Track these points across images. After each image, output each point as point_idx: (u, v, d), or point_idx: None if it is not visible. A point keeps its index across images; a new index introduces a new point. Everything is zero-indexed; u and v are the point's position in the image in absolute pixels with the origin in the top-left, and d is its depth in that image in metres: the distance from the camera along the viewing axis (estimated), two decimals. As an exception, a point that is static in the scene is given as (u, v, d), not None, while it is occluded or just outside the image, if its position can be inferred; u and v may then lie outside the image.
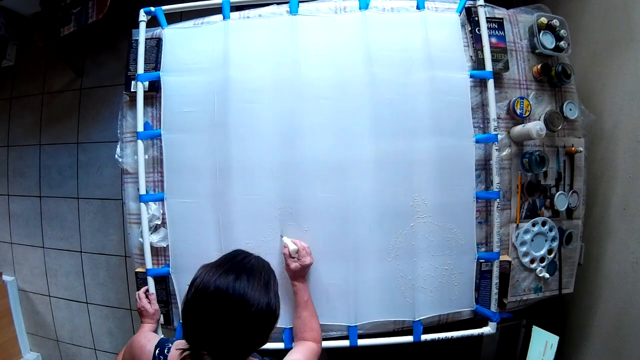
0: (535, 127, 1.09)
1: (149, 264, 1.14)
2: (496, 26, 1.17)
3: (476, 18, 1.16)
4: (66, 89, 2.20)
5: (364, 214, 1.11)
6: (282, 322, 1.13)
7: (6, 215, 2.25)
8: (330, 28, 1.15)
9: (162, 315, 1.16)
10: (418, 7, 1.16)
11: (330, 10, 1.17)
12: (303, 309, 1.04)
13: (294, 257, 1.05)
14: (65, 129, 2.15)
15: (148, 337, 0.88)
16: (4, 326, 2.08)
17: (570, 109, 1.20)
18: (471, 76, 1.14)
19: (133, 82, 1.17)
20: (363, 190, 1.10)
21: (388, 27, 1.14)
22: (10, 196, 2.25)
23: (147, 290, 1.15)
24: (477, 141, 1.13)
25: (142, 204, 1.13)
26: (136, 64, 1.16)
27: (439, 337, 1.13)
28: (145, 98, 1.16)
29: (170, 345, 0.83)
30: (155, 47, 1.18)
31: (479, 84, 1.16)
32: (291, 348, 1.10)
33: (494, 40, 1.16)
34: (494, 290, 1.15)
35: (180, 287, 1.15)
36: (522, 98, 1.16)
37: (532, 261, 1.20)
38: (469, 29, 1.17)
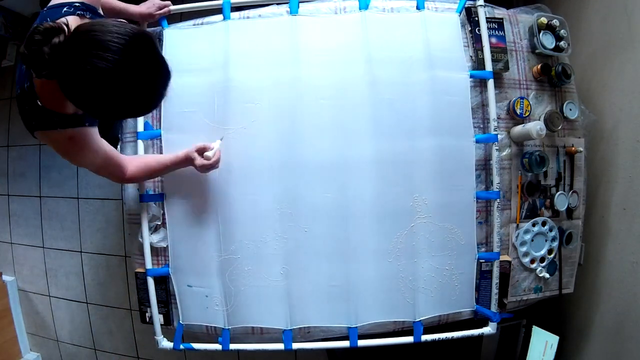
0: (535, 127, 1.09)
1: (149, 264, 1.14)
2: (496, 26, 1.17)
3: (476, 18, 1.16)
4: (66, 89, 2.19)
5: (364, 215, 1.11)
6: (282, 323, 1.13)
7: (6, 215, 2.25)
8: (330, 28, 1.15)
9: (161, 315, 1.16)
10: (418, 7, 1.16)
11: (330, 11, 1.17)
12: (157, 162, 1.05)
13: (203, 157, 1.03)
14: (65, 129, 2.14)
15: None
16: (4, 326, 2.08)
17: (570, 109, 1.20)
18: (471, 76, 1.14)
19: (133, 82, 1.17)
20: (363, 190, 1.10)
21: (388, 27, 1.14)
22: (10, 196, 2.25)
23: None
24: (477, 141, 1.13)
25: (142, 204, 1.13)
26: (136, 64, 1.16)
27: (439, 338, 1.13)
28: (145, 98, 1.16)
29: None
30: (155, 47, 1.17)
31: (479, 84, 1.16)
32: (291, 349, 1.12)
33: (494, 40, 1.16)
34: (494, 291, 1.15)
35: (180, 287, 1.15)
36: (522, 98, 1.16)
37: (532, 261, 1.20)
38: (469, 29, 1.17)
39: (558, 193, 1.18)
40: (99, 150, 0.89)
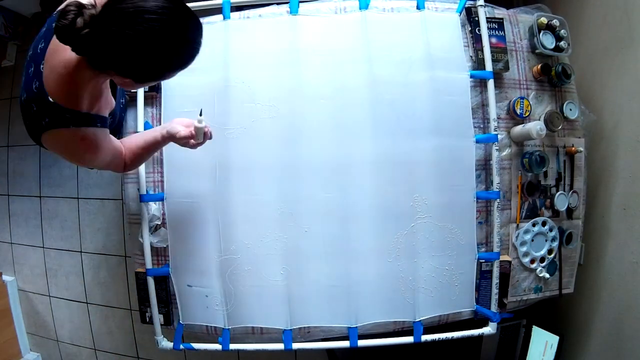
0: (536, 127, 1.09)
1: (149, 264, 1.14)
2: (496, 26, 1.17)
3: (476, 18, 1.16)
4: (66, 89, 2.19)
5: (364, 215, 1.11)
6: (282, 324, 1.13)
7: (6, 215, 2.25)
8: (330, 28, 1.15)
9: (162, 315, 1.16)
10: (418, 7, 1.16)
11: (330, 11, 1.17)
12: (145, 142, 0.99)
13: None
14: (65, 129, 2.14)
15: None
16: (4, 326, 2.08)
17: (570, 109, 1.20)
18: (471, 76, 1.14)
19: (133, 82, 1.17)
20: (363, 190, 1.10)
21: (388, 27, 1.14)
22: (10, 196, 2.25)
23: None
24: (477, 141, 1.13)
25: (142, 204, 1.13)
26: (136, 64, 1.16)
27: (439, 338, 1.13)
28: (145, 98, 1.16)
29: None
30: (155, 47, 1.17)
31: (479, 84, 1.16)
32: (291, 349, 1.12)
33: (494, 40, 1.16)
34: (494, 291, 1.15)
35: (180, 287, 1.15)
36: (522, 98, 1.16)
37: (532, 261, 1.20)
38: (469, 29, 1.17)
39: (558, 193, 1.18)
40: (109, 151, 0.89)
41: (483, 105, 1.16)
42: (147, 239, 1.14)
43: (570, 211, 1.22)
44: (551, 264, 1.21)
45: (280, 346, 1.13)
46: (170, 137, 0.97)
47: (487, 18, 1.16)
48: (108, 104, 0.87)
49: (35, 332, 2.21)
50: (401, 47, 1.13)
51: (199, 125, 0.94)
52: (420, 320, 1.14)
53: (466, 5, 1.17)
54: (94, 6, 0.65)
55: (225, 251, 1.12)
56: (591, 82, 1.32)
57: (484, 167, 1.16)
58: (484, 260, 1.15)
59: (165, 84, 1.15)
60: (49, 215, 2.17)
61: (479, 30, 1.15)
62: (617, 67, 1.21)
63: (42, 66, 0.75)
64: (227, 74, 1.12)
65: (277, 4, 1.19)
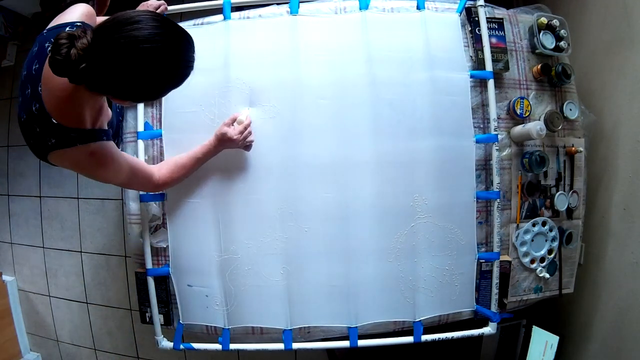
0: (536, 127, 1.09)
1: (149, 264, 1.14)
2: (496, 26, 1.17)
3: (476, 18, 1.16)
4: (66, 89, 2.19)
5: (364, 215, 1.11)
6: (282, 323, 1.13)
7: (6, 215, 2.25)
8: (330, 28, 1.15)
9: (162, 315, 1.16)
10: (418, 7, 1.16)
11: (330, 11, 1.17)
12: (188, 157, 1.05)
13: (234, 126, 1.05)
14: (65, 129, 2.14)
15: None
16: (4, 326, 2.08)
17: (570, 109, 1.20)
18: (471, 76, 1.14)
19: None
20: (363, 190, 1.10)
21: (388, 28, 1.14)
22: (10, 196, 2.25)
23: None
24: (477, 141, 1.13)
25: (142, 204, 1.13)
26: (136, 64, 1.16)
27: (439, 338, 1.13)
28: (146, 98, 1.16)
29: None
30: (155, 47, 1.17)
31: (479, 84, 1.16)
32: (291, 349, 1.12)
33: (494, 40, 1.16)
34: (494, 291, 1.15)
35: (180, 287, 1.15)
36: (522, 98, 1.16)
37: (532, 261, 1.20)
38: (469, 29, 1.17)
39: (558, 193, 1.18)
40: (123, 164, 0.88)
41: (483, 105, 1.16)
42: (147, 239, 1.14)
43: (570, 211, 1.22)
44: (551, 264, 1.21)
45: (280, 346, 1.13)
46: (222, 140, 1.04)
47: (487, 18, 1.16)
48: (107, 116, 0.87)
49: (35, 332, 2.21)
50: (401, 47, 1.13)
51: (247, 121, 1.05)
52: (420, 320, 1.14)
53: (466, 5, 1.17)
54: (85, 33, 0.65)
55: (226, 251, 1.12)
56: (591, 82, 1.32)
57: (484, 167, 1.16)
58: (484, 260, 1.15)
59: (166, 84, 1.15)
60: (49, 215, 2.17)
61: (479, 30, 1.15)
62: (617, 67, 1.21)
63: (40, 88, 0.75)
64: (228, 74, 1.12)
65: (277, 4, 1.19)
